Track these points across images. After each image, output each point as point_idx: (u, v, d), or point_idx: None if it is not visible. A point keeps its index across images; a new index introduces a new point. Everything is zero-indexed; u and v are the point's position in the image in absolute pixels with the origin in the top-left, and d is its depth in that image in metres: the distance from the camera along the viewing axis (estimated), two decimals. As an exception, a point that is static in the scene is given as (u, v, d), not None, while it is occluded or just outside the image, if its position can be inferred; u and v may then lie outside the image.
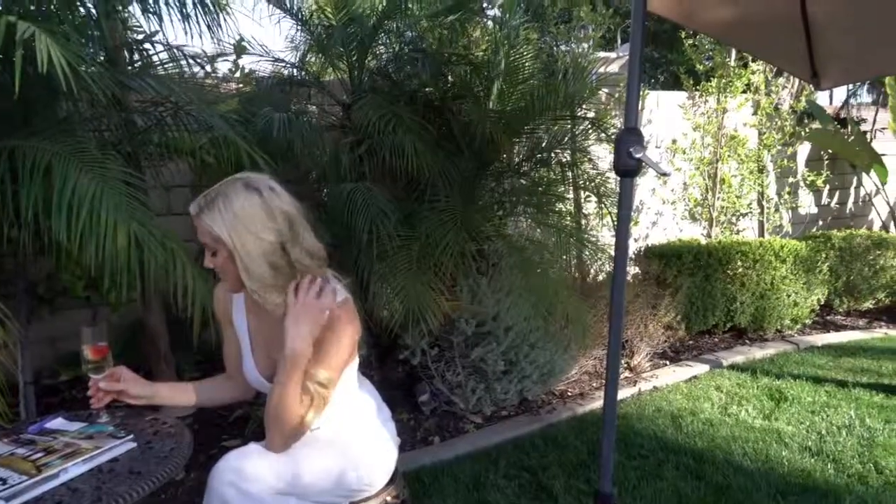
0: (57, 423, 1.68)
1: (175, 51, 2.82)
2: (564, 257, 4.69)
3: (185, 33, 2.36)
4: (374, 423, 1.79)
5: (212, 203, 1.48)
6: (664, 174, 1.84)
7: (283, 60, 3.96)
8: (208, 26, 2.38)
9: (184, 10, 2.37)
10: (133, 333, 3.70)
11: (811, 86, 2.69)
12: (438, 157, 3.37)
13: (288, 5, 3.73)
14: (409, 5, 3.54)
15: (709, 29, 2.93)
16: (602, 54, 5.69)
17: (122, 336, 3.68)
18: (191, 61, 2.95)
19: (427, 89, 3.90)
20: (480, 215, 3.66)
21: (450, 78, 4.01)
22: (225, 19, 2.62)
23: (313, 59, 4.12)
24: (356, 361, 1.73)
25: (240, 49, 3.38)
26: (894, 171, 6.71)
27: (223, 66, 3.86)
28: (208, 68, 3.05)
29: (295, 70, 3.98)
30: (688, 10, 2.43)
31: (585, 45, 5.87)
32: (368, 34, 3.61)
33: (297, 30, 3.82)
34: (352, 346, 1.60)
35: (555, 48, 5.64)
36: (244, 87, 3.73)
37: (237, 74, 3.60)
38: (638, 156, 1.74)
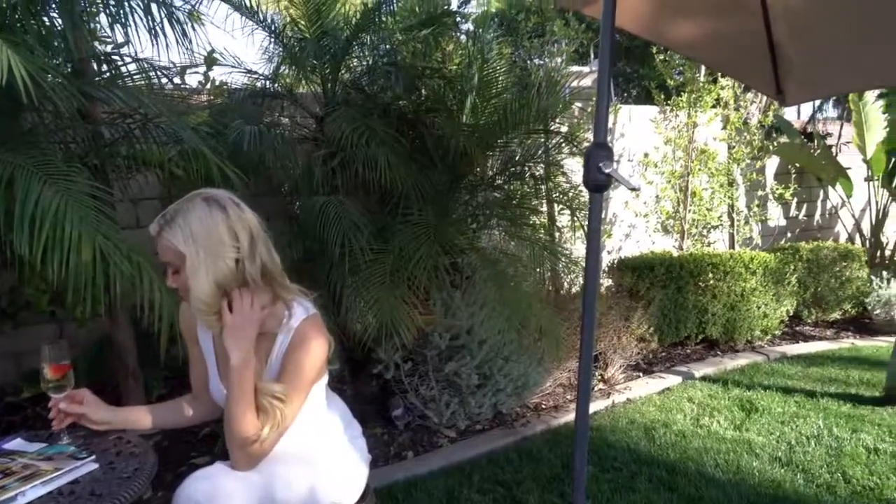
0: (15, 443, 1.63)
1: (144, 62, 2.78)
2: (538, 270, 4.72)
3: (152, 44, 2.32)
4: (344, 439, 1.76)
5: (172, 220, 1.47)
6: (634, 189, 1.85)
7: (255, 72, 3.94)
8: (176, 39, 2.35)
9: (152, 22, 2.34)
10: (100, 349, 3.62)
11: (777, 102, 2.74)
12: (412, 170, 3.37)
13: (261, 17, 3.71)
14: (383, 19, 3.55)
15: (676, 45, 2.98)
16: (575, 69, 5.76)
17: (88, 352, 3.60)
18: (160, 73, 2.91)
19: (401, 102, 3.90)
20: (454, 228, 3.66)
21: (423, 91, 4.03)
22: (195, 30, 2.59)
23: (287, 71, 4.10)
24: (325, 377, 1.70)
25: (210, 61, 3.36)
26: (859, 184, 6.88)
27: (195, 78, 3.84)
28: (177, 80, 3.02)
29: (268, 82, 3.96)
30: (655, 27, 2.47)
31: (559, 60, 5.94)
32: (342, 47, 3.61)
33: (270, 42, 3.80)
34: (320, 361, 1.58)
35: (528, 62, 5.70)
36: (216, 98, 3.70)
37: (208, 86, 3.57)
38: (607, 171, 1.75)
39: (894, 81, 3.88)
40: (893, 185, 6.60)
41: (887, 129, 6.38)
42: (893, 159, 6.50)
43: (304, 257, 3.41)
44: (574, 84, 5.62)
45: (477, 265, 3.68)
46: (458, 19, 4.39)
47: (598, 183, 1.80)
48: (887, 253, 6.72)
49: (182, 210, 1.48)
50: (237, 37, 3.76)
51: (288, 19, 4.00)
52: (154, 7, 2.26)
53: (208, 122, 2.98)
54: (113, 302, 2.60)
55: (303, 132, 3.97)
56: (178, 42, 2.34)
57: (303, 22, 3.80)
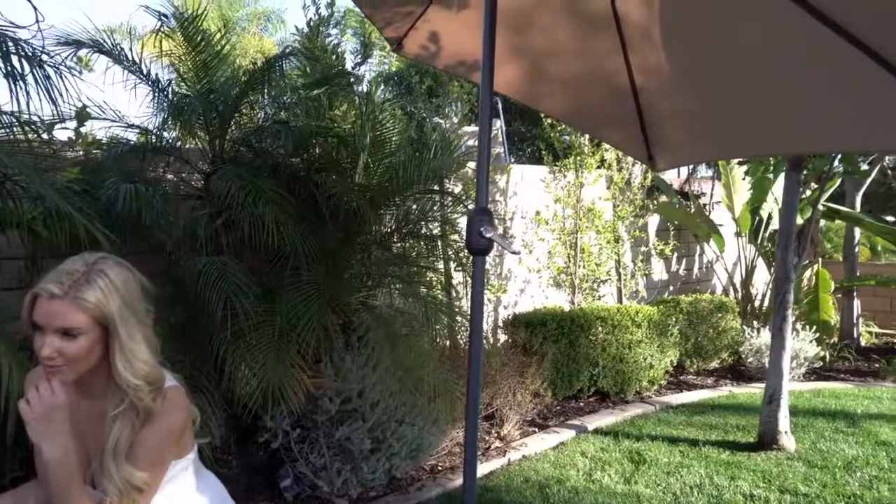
0: None
1: (7, 116, 2.58)
2: (437, 327, 4.71)
3: (14, 97, 2.15)
4: (214, 525, 1.63)
5: (86, 279, 1.33)
6: (514, 253, 1.89)
7: (138, 126, 3.77)
8: (38, 93, 2.20)
9: (13, 75, 2.18)
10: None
11: (648, 167, 2.93)
12: (302, 230, 3.29)
13: (144, 70, 3.58)
14: (274, 76, 3.52)
15: (554, 112, 3.13)
16: (470, 129, 5.95)
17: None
18: (29, 128, 2.71)
19: (293, 160, 3.86)
20: (347, 288, 3.60)
21: (317, 150, 4.00)
22: (66, 88, 2.43)
23: (173, 125, 3.96)
24: (192, 454, 1.58)
25: (83, 116, 3.18)
26: (730, 239, 7.44)
27: (69, 132, 3.61)
28: (46, 135, 2.83)
29: (152, 137, 3.80)
30: (533, 93, 2.59)
31: (455, 120, 6.12)
32: (230, 104, 3.54)
33: (155, 97, 3.66)
34: (174, 437, 1.46)
35: (425, 122, 5.83)
36: (88, 154, 3.49)
37: (80, 141, 3.37)
38: (489, 235, 1.78)
39: (753, 153, 4.27)
40: (759, 241, 7.19)
41: (751, 191, 6.99)
42: (757, 218, 7.11)
43: (185, 320, 3.23)
44: (470, 143, 5.78)
45: (370, 325, 3.61)
46: (353, 80, 4.43)
47: (480, 247, 1.83)
48: (757, 304, 7.27)
49: (96, 270, 1.35)
50: (119, 90, 3.58)
51: (175, 74, 3.88)
52: (14, 59, 2.12)
53: (80, 180, 2.79)
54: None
55: (189, 189, 3.83)
56: (40, 95, 2.19)
57: (190, 77, 3.71)
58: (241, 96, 3.55)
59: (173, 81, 3.81)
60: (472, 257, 1.91)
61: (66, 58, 2.96)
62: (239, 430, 3.53)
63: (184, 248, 3.39)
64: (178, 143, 3.92)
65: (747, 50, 1.91)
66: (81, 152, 3.46)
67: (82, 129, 3.27)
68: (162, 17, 3.33)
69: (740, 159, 6.94)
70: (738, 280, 7.48)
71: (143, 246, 3.48)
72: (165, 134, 3.87)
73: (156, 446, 1.41)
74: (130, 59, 3.52)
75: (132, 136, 3.82)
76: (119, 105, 3.79)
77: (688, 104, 2.37)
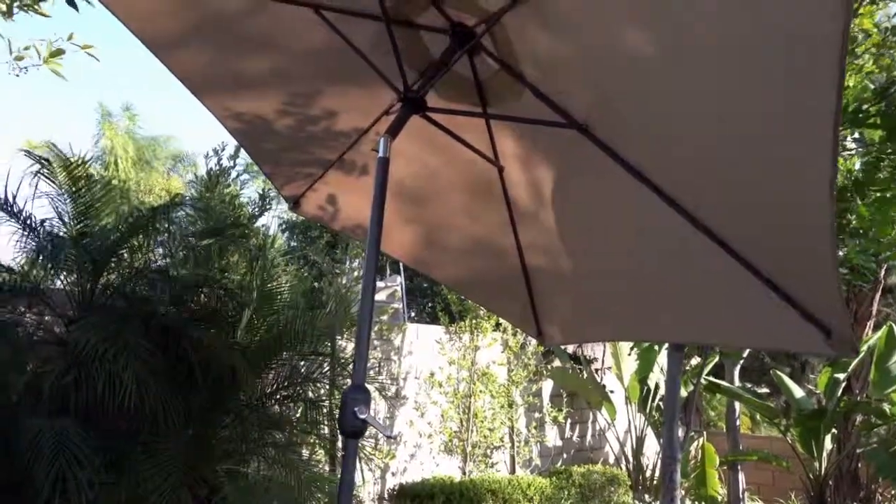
0: None
1: None
2: (318, 496, 4.30)
3: None
4: None
5: None
6: (390, 437, 1.74)
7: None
8: None
9: None
10: None
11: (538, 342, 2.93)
12: (169, 390, 2.99)
13: (13, 209, 3.33)
14: (157, 226, 3.37)
15: (445, 280, 3.13)
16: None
17: None
18: None
19: (172, 309, 3.60)
20: (214, 455, 3.25)
21: (202, 299, 3.78)
22: None
23: (41, 265, 3.64)
24: None
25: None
26: (621, 406, 7.51)
27: None
28: None
29: (16, 276, 3.46)
30: (425, 261, 2.58)
31: (356, 274, 6.09)
32: (108, 249, 3.32)
33: (21, 235, 3.39)
34: None
35: (322, 278, 5.75)
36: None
37: None
38: (363, 416, 1.64)
39: (634, 338, 4.40)
40: (647, 410, 7.32)
41: (637, 362, 7.22)
42: (646, 388, 7.28)
43: (11, 486, 2.76)
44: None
45: (236, 500, 3.22)
46: (247, 232, 4.34)
47: (354, 429, 1.68)
48: (648, 474, 7.23)
49: None
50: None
51: (52, 213, 3.65)
52: None
53: None
54: None
55: (49, 336, 3.47)
56: None
57: (69, 219, 3.49)
58: (121, 242, 3.35)
59: (48, 222, 3.56)
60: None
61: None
62: None
63: (26, 403, 2.98)
64: (42, 285, 3.59)
65: (626, 243, 2.00)
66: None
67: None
68: (42, 161, 3.17)
69: (627, 331, 7.23)
70: (629, 449, 7.48)
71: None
72: (29, 274, 3.55)
73: None
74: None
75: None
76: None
77: (574, 287, 2.41)
